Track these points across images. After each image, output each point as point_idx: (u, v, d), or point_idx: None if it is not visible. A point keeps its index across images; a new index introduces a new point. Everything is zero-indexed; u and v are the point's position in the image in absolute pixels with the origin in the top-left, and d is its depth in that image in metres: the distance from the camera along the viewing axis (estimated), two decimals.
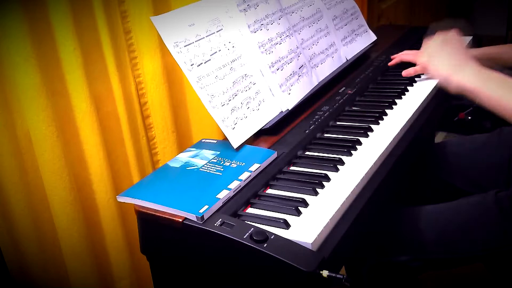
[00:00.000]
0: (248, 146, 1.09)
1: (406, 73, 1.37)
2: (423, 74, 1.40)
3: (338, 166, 1.03)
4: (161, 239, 0.94)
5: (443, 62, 1.09)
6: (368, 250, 1.16)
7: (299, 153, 1.11)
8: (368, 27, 1.70)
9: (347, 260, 1.23)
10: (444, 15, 3.64)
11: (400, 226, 1.16)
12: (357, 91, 1.37)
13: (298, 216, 0.89)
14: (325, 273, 0.76)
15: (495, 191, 1.11)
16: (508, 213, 1.06)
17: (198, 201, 0.89)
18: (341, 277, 0.76)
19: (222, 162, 1.03)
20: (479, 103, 1.01)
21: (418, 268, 1.14)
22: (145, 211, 0.92)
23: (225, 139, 1.09)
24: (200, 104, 1.08)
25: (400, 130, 1.16)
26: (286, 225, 0.86)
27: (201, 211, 0.86)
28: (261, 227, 0.85)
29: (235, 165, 1.02)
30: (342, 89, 1.39)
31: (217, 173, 1.00)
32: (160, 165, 1.37)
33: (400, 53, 1.49)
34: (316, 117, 1.23)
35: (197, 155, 1.07)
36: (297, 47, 1.32)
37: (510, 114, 0.95)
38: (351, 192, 0.94)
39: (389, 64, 1.50)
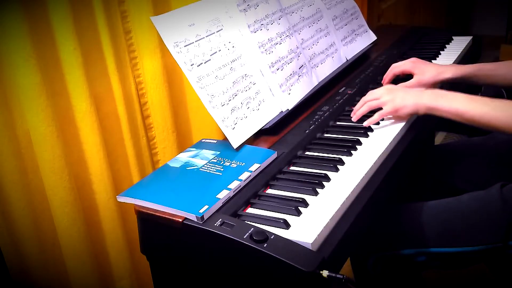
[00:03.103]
0: (248, 146, 1.09)
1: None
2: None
3: (338, 166, 1.03)
4: (161, 239, 0.94)
5: (405, 96, 1.16)
6: (373, 244, 1.16)
7: (299, 153, 1.11)
8: (368, 27, 1.70)
9: (352, 253, 1.24)
10: (444, 15, 3.64)
11: (403, 221, 1.16)
12: (357, 91, 1.37)
13: (298, 216, 0.89)
14: (325, 273, 0.76)
15: (500, 184, 1.11)
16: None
17: (198, 201, 0.89)
18: (341, 277, 0.76)
19: (222, 162, 1.03)
20: (446, 118, 1.12)
21: (423, 263, 1.14)
22: (145, 211, 0.92)
23: (225, 139, 1.09)
24: (200, 104, 1.08)
25: (400, 130, 1.16)
26: (286, 225, 0.86)
27: (201, 211, 0.86)
28: (261, 227, 0.85)
29: (235, 165, 1.02)
30: (342, 89, 1.39)
31: (217, 173, 1.00)
32: (160, 165, 1.37)
33: (389, 70, 1.39)
34: (316, 117, 1.23)
35: (197, 155, 1.07)
36: (297, 47, 1.32)
37: (479, 123, 1.07)
38: (351, 192, 0.94)
39: (383, 82, 1.39)
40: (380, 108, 1.18)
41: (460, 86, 1.36)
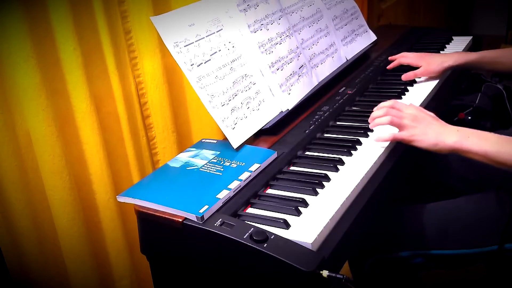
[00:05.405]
0: (248, 146, 1.09)
1: (405, 77, 1.41)
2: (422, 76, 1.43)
3: (338, 166, 1.03)
4: (161, 239, 0.94)
5: (427, 129, 1.05)
6: (370, 246, 1.16)
7: (299, 153, 1.11)
8: (368, 27, 1.70)
9: (350, 255, 1.24)
10: (444, 15, 3.64)
11: (401, 223, 1.16)
12: (357, 91, 1.37)
13: (298, 216, 0.89)
14: (325, 273, 0.76)
15: (497, 186, 1.12)
16: (508, 209, 1.06)
17: (198, 201, 0.89)
18: (341, 277, 0.76)
19: (222, 162, 1.03)
20: (472, 159, 1.02)
21: (420, 265, 1.14)
22: (145, 211, 0.92)
23: (225, 139, 1.09)
24: (200, 104, 1.08)
25: None
26: (286, 225, 0.86)
27: (201, 211, 0.86)
28: (261, 227, 0.85)
29: (235, 165, 1.02)
30: (342, 89, 1.39)
31: (217, 173, 1.00)
32: (160, 165, 1.37)
33: (399, 56, 1.50)
34: (316, 117, 1.23)
35: (197, 155, 1.07)
36: (297, 47, 1.32)
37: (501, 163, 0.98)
38: (351, 192, 0.94)
39: (388, 67, 1.51)
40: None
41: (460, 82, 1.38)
